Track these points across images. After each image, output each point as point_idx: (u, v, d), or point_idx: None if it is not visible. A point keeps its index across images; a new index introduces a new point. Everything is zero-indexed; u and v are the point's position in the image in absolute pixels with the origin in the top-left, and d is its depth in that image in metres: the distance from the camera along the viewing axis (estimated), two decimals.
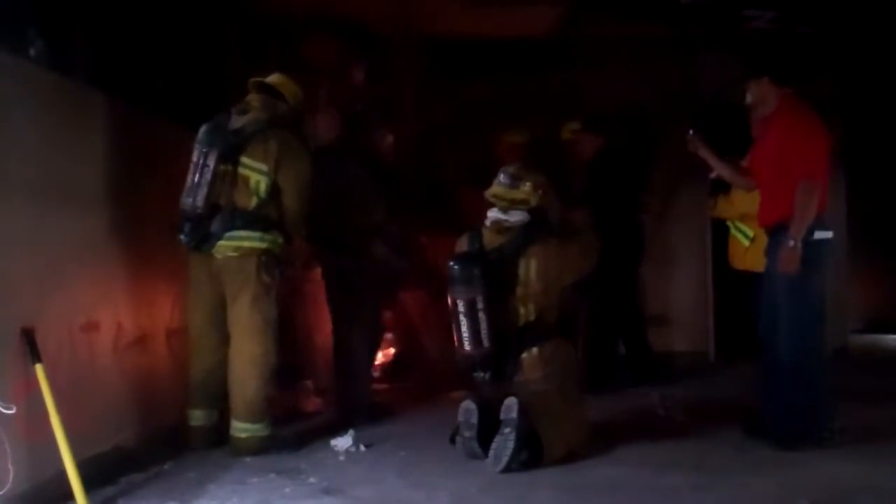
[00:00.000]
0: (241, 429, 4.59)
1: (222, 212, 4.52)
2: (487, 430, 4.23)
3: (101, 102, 4.39)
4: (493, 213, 4.59)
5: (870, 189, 8.59)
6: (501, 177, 4.61)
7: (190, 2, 5.63)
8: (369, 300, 5.57)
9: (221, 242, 4.52)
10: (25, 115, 3.71)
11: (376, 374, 6.66)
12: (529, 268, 4.43)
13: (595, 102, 6.96)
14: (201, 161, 4.42)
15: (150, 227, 4.70)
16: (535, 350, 4.40)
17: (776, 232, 4.47)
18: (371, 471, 4.29)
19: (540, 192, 4.53)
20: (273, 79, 4.82)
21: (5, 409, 3.37)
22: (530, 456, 4.13)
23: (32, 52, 4.12)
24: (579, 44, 7.31)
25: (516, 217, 4.54)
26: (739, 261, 5.28)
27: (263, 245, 4.59)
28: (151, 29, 5.11)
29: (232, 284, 4.58)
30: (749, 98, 5.05)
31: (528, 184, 4.54)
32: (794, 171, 4.36)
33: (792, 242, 4.31)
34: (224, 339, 4.66)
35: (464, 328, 4.32)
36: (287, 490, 3.96)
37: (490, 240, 4.54)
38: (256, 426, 4.60)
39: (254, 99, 4.73)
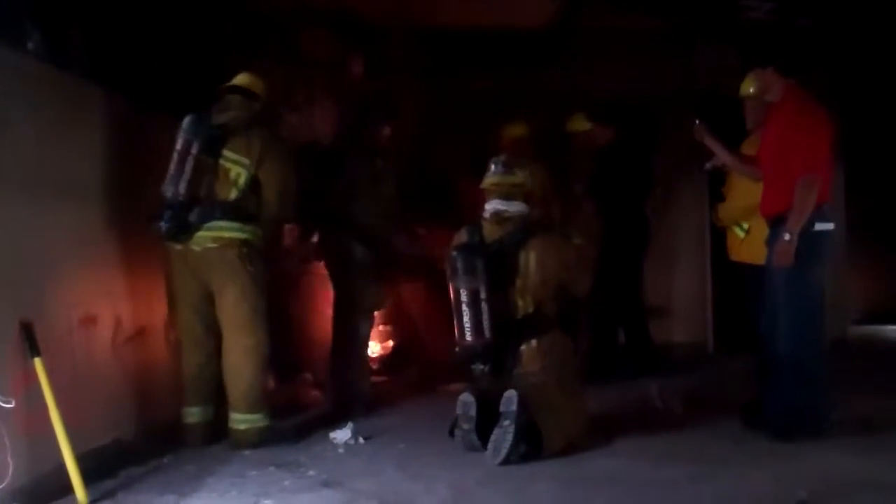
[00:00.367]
0: (240, 420, 4.61)
1: (202, 202, 4.53)
2: (486, 422, 4.24)
3: (99, 97, 4.39)
4: (492, 204, 4.60)
5: (869, 181, 8.58)
6: (493, 167, 4.64)
7: None
8: (379, 289, 5.67)
9: (200, 233, 4.53)
10: (24, 110, 3.72)
11: (375, 366, 6.68)
12: (529, 259, 4.42)
13: (593, 94, 6.94)
14: (184, 149, 4.45)
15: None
16: (533, 342, 4.40)
17: (777, 224, 4.45)
18: (370, 463, 4.29)
19: (534, 177, 4.57)
20: (242, 80, 4.88)
21: (4, 402, 3.38)
22: (529, 448, 4.14)
23: (30, 46, 4.11)
24: (577, 36, 7.30)
25: (516, 208, 4.55)
26: (735, 252, 5.27)
27: (243, 236, 4.61)
28: (149, 23, 5.10)
29: (217, 277, 4.58)
30: (743, 90, 5.06)
31: (520, 170, 4.59)
32: (795, 164, 4.33)
33: (788, 235, 4.29)
34: (211, 333, 4.68)
35: (466, 318, 4.32)
36: (286, 483, 3.97)
37: (490, 231, 4.54)
38: (255, 416, 4.62)
39: (232, 99, 4.79)
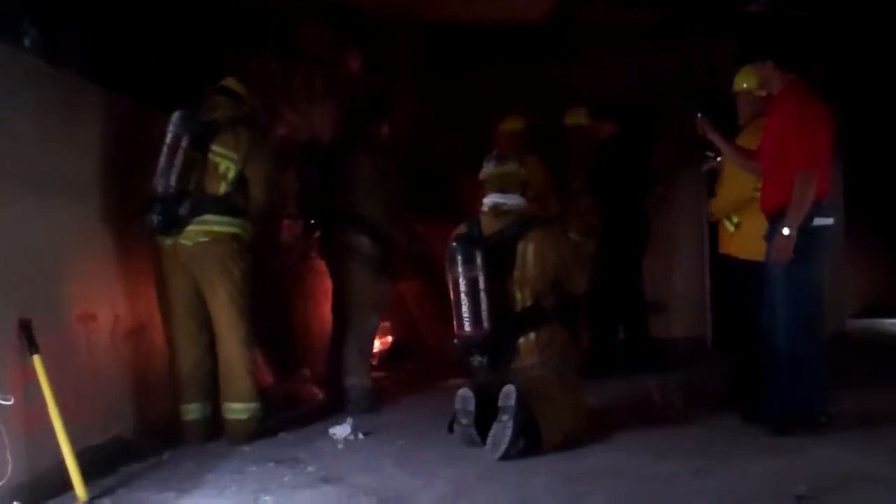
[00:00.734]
0: (237, 410, 4.65)
1: (192, 196, 4.56)
2: (485, 417, 4.24)
3: (97, 94, 4.40)
4: (490, 198, 4.60)
5: (867, 174, 8.58)
6: (486, 163, 4.68)
7: None
8: (389, 284, 5.74)
9: (191, 227, 4.56)
10: (22, 108, 3.71)
11: (374, 362, 6.68)
12: (527, 251, 4.42)
13: (592, 89, 6.94)
14: (174, 143, 4.47)
15: None
16: (531, 336, 4.40)
17: (776, 218, 4.43)
18: (369, 459, 4.30)
19: (528, 168, 4.66)
20: (229, 83, 4.95)
21: (3, 400, 3.39)
22: (528, 443, 4.14)
23: (27, 42, 4.10)
24: (576, 30, 7.29)
25: (514, 201, 4.57)
26: (724, 245, 5.28)
27: (233, 230, 4.64)
28: (146, 19, 5.09)
29: (207, 273, 4.60)
30: (736, 85, 5.06)
31: (514, 161, 4.66)
32: (794, 159, 4.32)
33: (787, 231, 4.28)
34: (204, 329, 4.70)
35: (464, 308, 4.31)
36: (286, 478, 3.97)
37: (489, 225, 4.54)
38: (252, 406, 4.68)
39: (219, 100, 4.86)
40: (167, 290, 4.67)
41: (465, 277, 4.30)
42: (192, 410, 4.72)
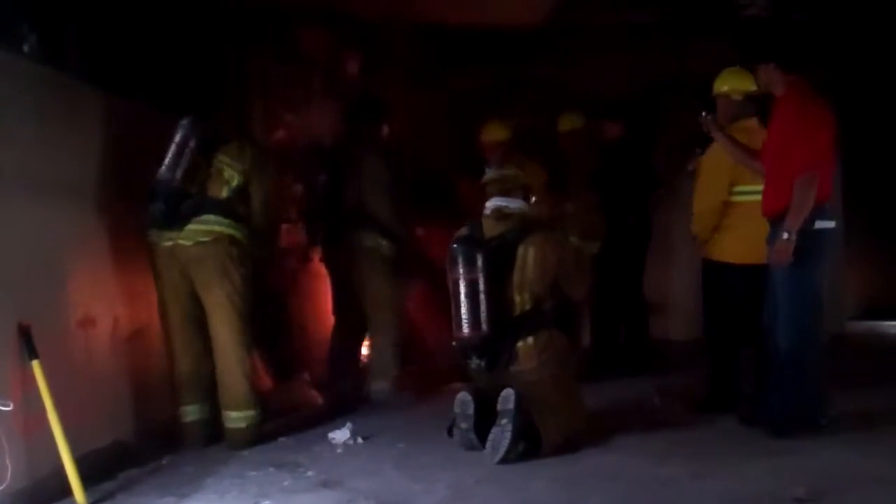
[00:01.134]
0: (237, 418, 4.64)
1: (194, 197, 4.58)
2: (484, 421, 4.24)
3: (96, 97, 4.40)
4: (493, 201, 4.62)
5: (867, 175, 8.57)
6: (487, 171, 4.74)
7: None
8: (406, 284, 5.81)
9: (191, 227, 4.55)
10: (20, 111, 3.71)
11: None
12: (528, 254, 4.41)
13: (590, 91, 6.93)
14: (183, 142, 4.51)
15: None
16: (530, 339, 4.38)
17: (777, 222, 4.40)
18: (369, 463, 4.29)
19: (525, 170, 4.76)
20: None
21: (3, 405, 3.38)
22: (527, 447, 4.14)
23: (26, 47, 4.10)
24: (573, 32, 7.29)
25: (516, 204, 4.58)
26: (701, 249, 5.34)
27: (233, 232, 4.64)
28: (146, 22, 5.09)
29: (205, 274, 4.59)
30: (716, 88, 5.08)
31: (513, 166, 4.76)
32: (796, 161, 4.30)
33: (787, 234, 4.26)
34: (202, 331, 4.70)
35: (464, 310, 4.30)
36: (286, 483, 3.98)
37: (490, 228, 4.54)
38: (251, 413, 4.66)
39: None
40: (168, 292, 4.66)
41: (466, 279, 4.30)
42: (191, 412, 4.71)
